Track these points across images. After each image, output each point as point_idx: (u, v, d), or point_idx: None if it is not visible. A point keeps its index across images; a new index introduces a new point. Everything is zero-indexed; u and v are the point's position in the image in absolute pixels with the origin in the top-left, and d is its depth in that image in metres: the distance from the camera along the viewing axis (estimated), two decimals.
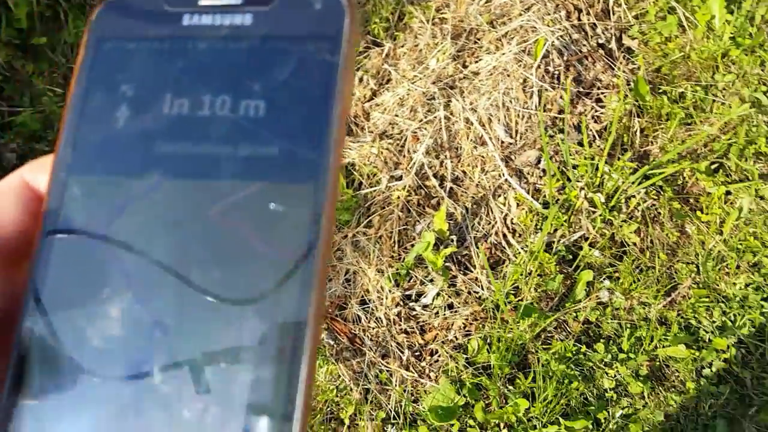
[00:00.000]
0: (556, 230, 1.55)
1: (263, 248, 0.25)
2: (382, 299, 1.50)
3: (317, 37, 0.27)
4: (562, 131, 1.60)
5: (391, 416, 1.40)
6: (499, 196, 1.56)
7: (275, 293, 0.24)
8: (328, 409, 1.41)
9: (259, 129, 0.27)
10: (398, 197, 1.53)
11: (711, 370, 1.48)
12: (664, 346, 1.49)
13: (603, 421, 1.44)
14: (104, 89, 0.28)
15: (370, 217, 1.53)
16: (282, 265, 0.25)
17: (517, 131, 1.62)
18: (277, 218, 0.26)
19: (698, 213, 1.61)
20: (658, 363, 1.49)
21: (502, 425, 1.41)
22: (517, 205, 1.55)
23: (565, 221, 1.54)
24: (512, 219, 1.55)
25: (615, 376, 1.46)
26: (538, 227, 1.54)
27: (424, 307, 1.52)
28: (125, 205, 0.27)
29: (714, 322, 1.52)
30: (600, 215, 1.55)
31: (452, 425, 1.37)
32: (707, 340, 1.50)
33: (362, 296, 1.50)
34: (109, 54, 0.29)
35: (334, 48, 0.27)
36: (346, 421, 1.38)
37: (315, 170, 0.26)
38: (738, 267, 1.57)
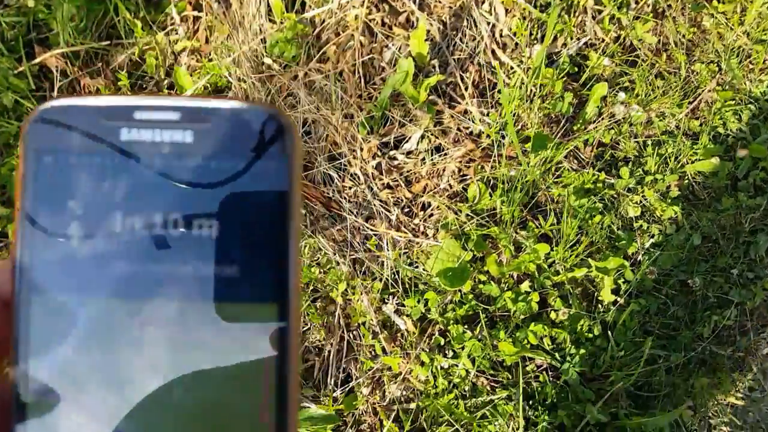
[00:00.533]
0: (556, 38, 1.26)
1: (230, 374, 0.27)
2: (356, 151, 1.20)
3: (262, 156, 0.28)
4: None
5: (389, 285, 1.15)
6: (483, 2, 1.24)
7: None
8: (313, 288, 1.14)
9: (216, 248, 0.28)
10: (356, 17, 1.19)
11: (747, 182, 1.27)
12: (692, 162, 1.26)
13: (634, 255, 1.23)
14: (50, 205, 0.28)
15: (323, 49, 1.19)
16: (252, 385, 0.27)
17: None
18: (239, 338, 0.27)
19: (714, 2, 1.34)
20: (687, 181, 1.27)
21: (520, 276, 1.18)
22: (506, 11, 1.24)
23: (566, 26, 1.25)
24: (501, 30, 1.24)
25: (641, 202, 1.24)
26: (535, 38, 1.25)
27: (408, 154, 1.24)
28: (84, 324, 0.28)
29: (744, 127, 1.29)
30: (609, 13, 1.26)
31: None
32: (738, 148, 1.28)
33: (330, 150, 1.20)
34: (50, 167, 0.29)
35: (281, 167, 0.28)
36: (339, 300, 1.12)
37: (278, 289, 0.27)
38: (765, 62, 1.33)
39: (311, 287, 1.14)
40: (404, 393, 1.12)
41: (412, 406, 1.11)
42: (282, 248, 0.28)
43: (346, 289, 1.12)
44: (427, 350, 1.12)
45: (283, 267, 0.27)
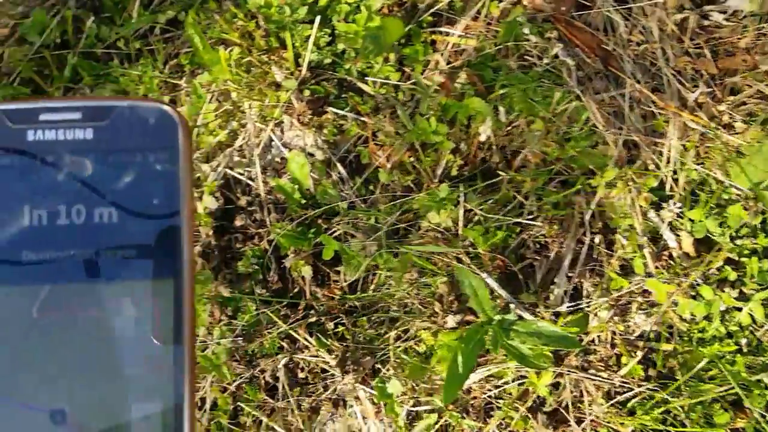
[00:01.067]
0: None
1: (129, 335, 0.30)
2: None
3: (156, 147, 0.31)
4: None
5: (666, 186, 0.84)
6: None
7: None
8: (557, 171, 0.85)
9: (117, 234, 0.31)
10: None
11: None
12: None
13: None
14: None
15: None
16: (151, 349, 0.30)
17: None
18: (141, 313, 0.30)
19: None
20: None
21: None
22: None
23: None
24: None
25: None
26: None
27: (728, 14, 0.88)
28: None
29: None
30: None
31: None
32: None
33: None
34: None
35: (173, 157, 0.31)
36: (600, 191, 0.83)
37: (174, 266, 0.30)
38: None
39: (554, 168, 0.84)
40: (656, 328, 0.83)
41: (666, 347, 0.82)
42: (174, 225, 0.31)
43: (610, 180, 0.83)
44: (706, 282, 0.82)
45: (177, 245, 0.30)
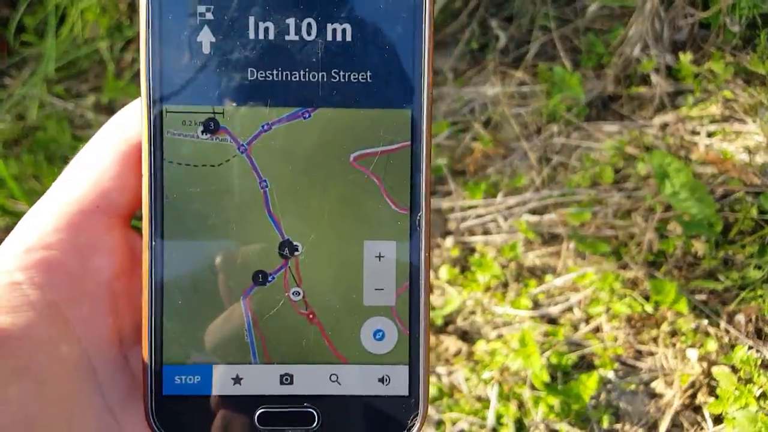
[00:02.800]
0: None
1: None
2: None
3: None
4: None
5: None
6: None
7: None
8: None
9: (352, 54, 0.29)
10: None
11: None
12: None
13: None
14: (179, 10, 0.28)
15: None
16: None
17: None
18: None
19: None
20: None
21: None
22: None
23: None
24: None
25: None
26: None
27: None
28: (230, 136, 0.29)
29: None
30: None
31: None
32: None
33: None
34: None
35: None
36: None
37: (414, 94, 0.29)
38: None
39: None
40: None
41: None
42: (416, 49, 0.29)
43: None
44: None
45: (417, 69, 0.29)
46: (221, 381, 0.29)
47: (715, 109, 1.10)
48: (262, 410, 0.29)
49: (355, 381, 0.30)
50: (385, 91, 0.29)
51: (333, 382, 0.30)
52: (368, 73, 0.29)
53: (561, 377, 0.88)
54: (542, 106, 1.13)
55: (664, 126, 1.11)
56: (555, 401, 0.84)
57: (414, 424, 0.30)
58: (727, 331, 0.92)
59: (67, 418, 0.27)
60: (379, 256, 0.30)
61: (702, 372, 0.88)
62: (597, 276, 0.95)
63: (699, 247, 0.97)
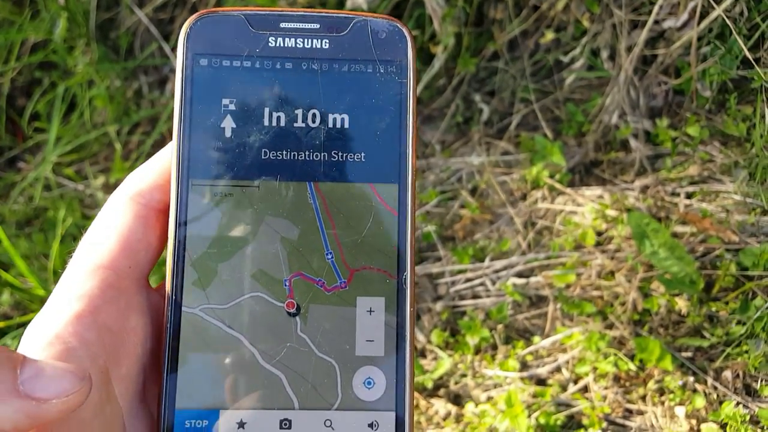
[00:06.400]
0: None
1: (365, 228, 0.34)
2: None
3: (387, 60, 0.34)
4: None
5: None
6: None
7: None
8: None
9: (349, 138, 0.34)
10: None
11: None
12: None
13: None
14: (207, 102, 0.34)
15: None
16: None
17: None
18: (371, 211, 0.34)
19: None
20: None
21: None
22: None
23: None
24: None
25: None
26: None
27: None
28: (243, 205, 0.34)
29: None
30: None
31: None
32: None
33: None
34: (206, 69, 0.34)
35: (403, 70, 0.34)
36: None
37: (400, 171, 0.34)
38: None
39: None
40: None
41: None
42: (401, 133, 0.34)
43: None
44: None
45: (403, 151, 0.34)
46: (227, 426, 0.33)
47: (693, 170, 1.14)
48: None
49: (347, 426, 0.33)
50: (376, 168, 0.34)
51: (327, 427, 0.33)
52: (362, 154, 0.34)
53: None
54: (526, 174, 1.18)
55: (644, 188, 1.15)
56: None
57: None
58: (715, 388, 0.92)
59: None
60: (370, 311, 0.34)
61: (690, 429, 0.89)
62: (584, 336, 0.97)
63: (682, 304, 0.99)
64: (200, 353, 0.33)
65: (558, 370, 0.98)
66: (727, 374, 0.93)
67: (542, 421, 0.89)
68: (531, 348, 1.00)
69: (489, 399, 0.95)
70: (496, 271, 1.10)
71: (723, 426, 0.87)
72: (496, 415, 0.88)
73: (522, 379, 0.96)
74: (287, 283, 0.34)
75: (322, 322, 0.33)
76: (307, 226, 0.34)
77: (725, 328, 0.96)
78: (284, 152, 0.34)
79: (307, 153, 0.34)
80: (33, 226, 1.37)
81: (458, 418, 0.93)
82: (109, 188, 1.37)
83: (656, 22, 1.14)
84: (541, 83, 1.28)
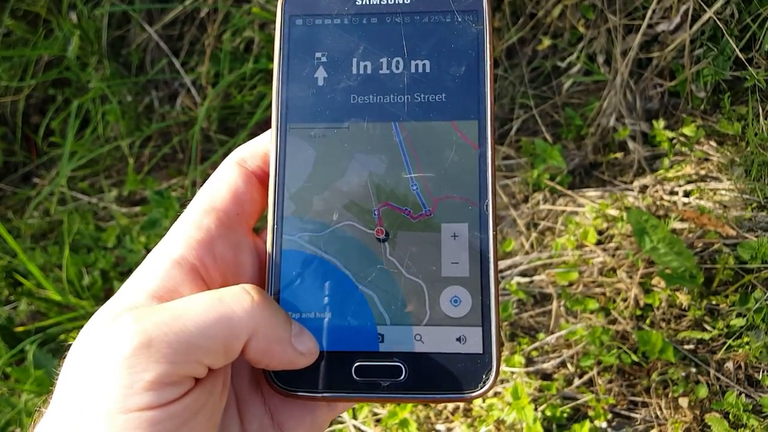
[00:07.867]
0: None
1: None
2: None
3: (464, 10, 0.38)
4: None
5: None
6: None
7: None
8: None
9: (430, 82, 0.38)
10: None
11: None
12: None
13: None
14: (302, 56, 0.39)
15: None
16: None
17: None
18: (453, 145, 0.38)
19: None
20: None
21: None
22: None
23: None
24: None
25: None
26: None
27: None
28: (336, 146, 0.38)
29: None
30: None
31: None
32: None
33: None
34: (300, 28, 0.39)
35: (479, 17, 0.38)
36: None
37: (479, 108, 0.38)
38: None
39: None
40: None
41: None
42: (480, 75, 0.38)
43: None
44: None
45: (482, 90, 0.38)
46: (324, 336, 0.37)
47: (690, 169, 1.17)
48: (359, 364, 0.36)
49: (436, 340, 0.36)
50: (457, 107, 0.38)
51: (417, 340, 0.36)
52: (443, 95, 0.38)
53: (556, 429, 0.91)
54: (527, 177, 1.21)
55: (643, 188, 1.18)
56: None
57: (489, 377, 0.35)
58: (718, 378, 0.94)
59: None
60: (454, 236, 0.37)
61: (694, 419, 0.91)
62: (587, 332, 0.99)
63: (683, 298, 1.01)
64: (299, 275, 0.36)
65: (563, 364, 1.00)
66: (729, 365, 0.95)
67: (549, 413, 0.91)
68: (536, 344, 1.02)
69: (496, 394, 0.97)
70: (501, 271, 1.12)
71: (726, 415, 0.89)
72: (504, 408, 0.90)
73: (528, 374, 0.98)
74: (376, 213, 0.37)
75: (410, 247, 0.37)
76: (393, 161, 0.37)
77: (726, 320, 0.98)
78: (371, 96, 0.38)
79: (391, 96, 0.38)
80: (48, 239, 1.41)
81: (467, 413, 0.95)
82: (122, 201, 1.41)
83: (650, 26, 1.17)
84: (540, 89, 1.32)
